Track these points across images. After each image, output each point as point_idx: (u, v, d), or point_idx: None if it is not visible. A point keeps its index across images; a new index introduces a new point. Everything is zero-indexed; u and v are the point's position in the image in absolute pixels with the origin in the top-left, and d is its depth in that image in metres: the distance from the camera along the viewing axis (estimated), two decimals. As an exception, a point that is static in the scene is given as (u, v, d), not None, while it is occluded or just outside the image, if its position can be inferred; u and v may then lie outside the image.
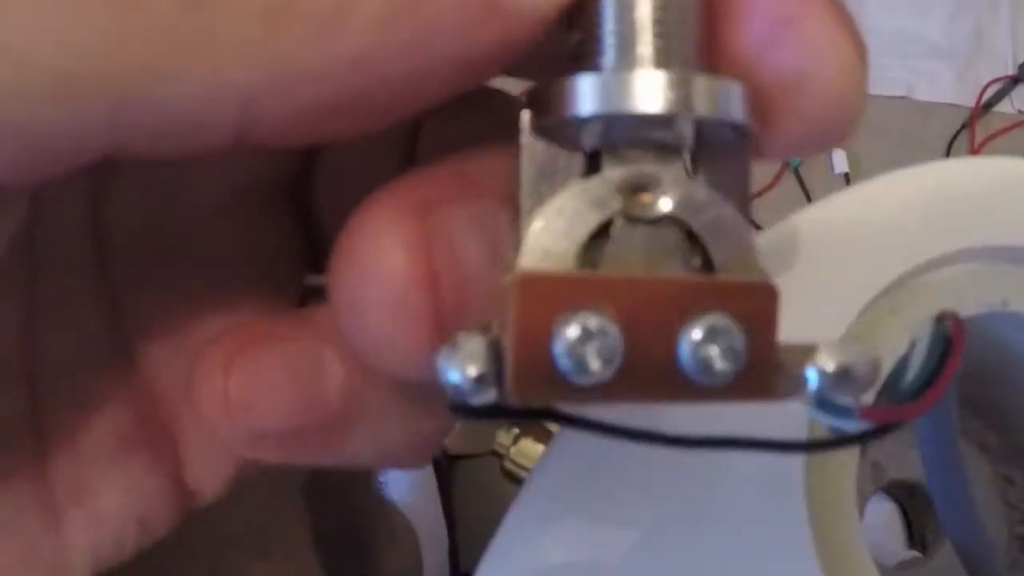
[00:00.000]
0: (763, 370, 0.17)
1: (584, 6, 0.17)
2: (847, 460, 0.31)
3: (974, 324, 0.34)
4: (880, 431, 0.18)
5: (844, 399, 0.17)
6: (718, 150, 0.18)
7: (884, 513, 0.46)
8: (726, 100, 0.17)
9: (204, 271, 0.23)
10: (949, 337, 0.19)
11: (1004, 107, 1.41)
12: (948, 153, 1.36)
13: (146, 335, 0.23)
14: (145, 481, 0.22)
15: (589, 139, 0.18)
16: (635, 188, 0.17)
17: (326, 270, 0.18)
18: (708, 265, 0.17)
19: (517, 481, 1.10)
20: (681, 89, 0.16)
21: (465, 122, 0.21)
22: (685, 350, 0.16)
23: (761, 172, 1.35)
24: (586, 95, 0.16)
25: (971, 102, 1.40)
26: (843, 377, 0.17)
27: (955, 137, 1.37)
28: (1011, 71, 1.43)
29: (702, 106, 0.16)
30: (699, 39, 0.17)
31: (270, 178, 0.24)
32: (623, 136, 0.17)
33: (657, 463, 0.29)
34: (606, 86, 0.16)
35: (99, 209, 0.22)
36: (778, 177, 1.32)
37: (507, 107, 0.21)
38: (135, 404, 0.23)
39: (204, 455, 0.23)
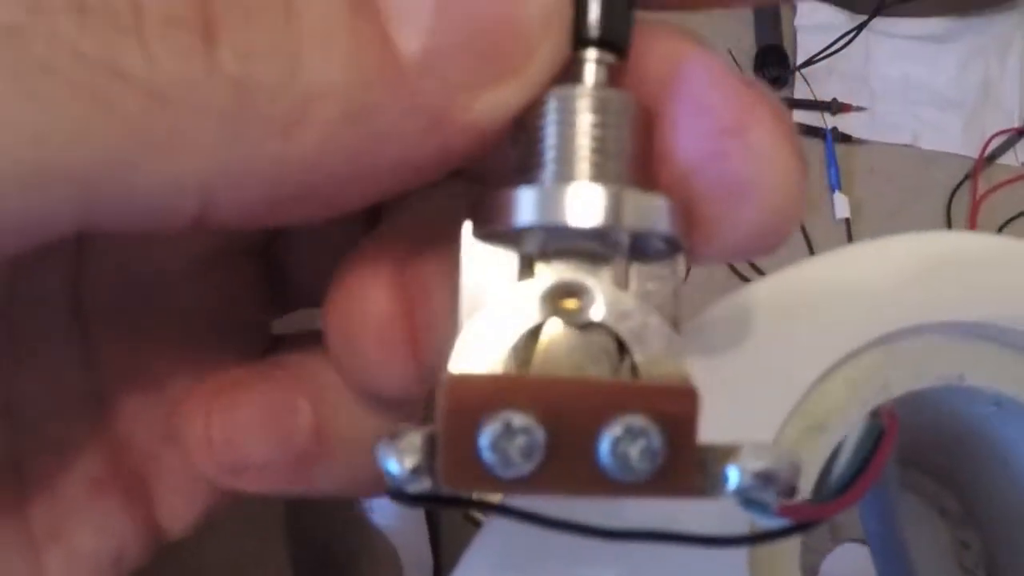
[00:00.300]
0: (682, 468, 0.18)
1: (526, 124, 0.18)
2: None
3: (930, 397, 0.35)
4: (800, 527, 0.19)
5: (765, 497, 0.18)
6: (649, 258, 0.19)
7: (852, 558, 0.48)
8: (655, 214, 0.18)
9: (176, 324, 0.25)
10: (882, 429, 0.20)
11: (1008, 159, 1.42)
12: (950, 203, 1.37)
13: (121, 385, 0.25)
14: (118, 521, 0.24)
15: (527, 246, 0.19)
16: (566, 294, 0.19)
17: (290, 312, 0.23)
18: (635, 369, 0.19)
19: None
20: (613, 204, 0.17)
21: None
22: (604, 448, 0.17)
23: None
24: (525, 207, 0.18)
25: (975, 153, 1.41)
26: (763, 479, 0.18)
27: (958, 187, 1.38)
28: (1017, 124, 1.43)
29: (632, 220, 0.17)
30: (634, 155, 0.18)
31: (239, 243, 0.26)
32: (558, 245, 0.19)
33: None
34: (543, 199, 0.17)
35: (76, 269, 0.24)
36: None
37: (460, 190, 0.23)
38: (108, 450, 0.24)
39: (175, 495, 0.25)
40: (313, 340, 0.24)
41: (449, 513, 1.03)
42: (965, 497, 0.44)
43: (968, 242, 0.36)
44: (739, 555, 0.30)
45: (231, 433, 0.23)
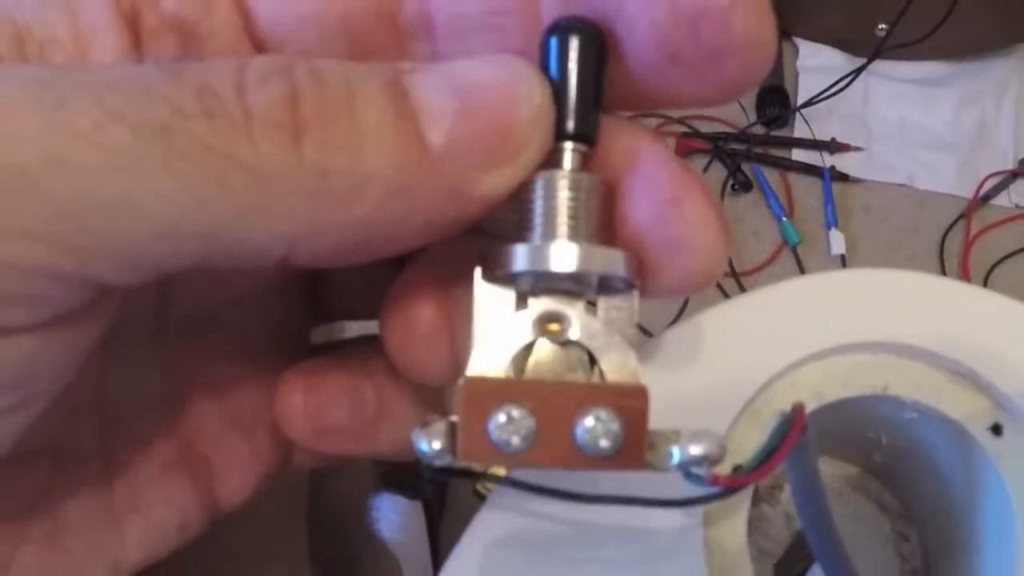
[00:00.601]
0: (635, 447, 0.24)
1: (520, 197, 0.24)
2: (738, 522, 0.37)
3: (859, 404, 0.40)
4: (726, 492, 0.26)
5: (699, 470, 0.25)
6: (611, 294, 0.25)
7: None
8: (615, 262, 0.24)
9: (239, 338, 0.31)
10: (790, 422, 0.26)
11: (1002, 200, 1.41)
12: (943, 241, 1.36)
13: (193, 386, 0.31)
14: (184, 497, 0.30)
15: (522, 286, 0.25)
16: (550, 320, 0.25)
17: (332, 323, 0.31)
18: (602, 375, 0.25)
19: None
20: (584, 255, 0.23)
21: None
22: (579, 431, 0.23)
23: (760, 250, 1.34)
24: (519, 257, 0.24)
25: (969, 194, 1.40)
26: (698, 455, 0.24)
27: (951, 226, 1.37)
28: (1011, 166, 1.42)
29: (598, 266, 0.23)
30: (599, 219, 0.24)
31: (292, 276, 0.32)
32: (545, 285, 0.25)
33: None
34: (533, 252, 0.23)
35: (161, 294, 0.30)
36: (776, 254, 1.33)
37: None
38: (179, 439, 0.30)
39: (233, 474, 0.31)
40: (363, 342, 0.31)
41: (449, 528, 1.06)
42: (902, 495, 0.48)
43: (892, 276, 0.41)
44: (696, 545, 0.35)
45: (322, 404, 0.29)
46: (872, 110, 1.47)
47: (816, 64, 1.47)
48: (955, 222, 1.38)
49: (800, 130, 1.44)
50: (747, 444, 0.37)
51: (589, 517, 0.35)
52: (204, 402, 0.31)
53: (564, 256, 0.23)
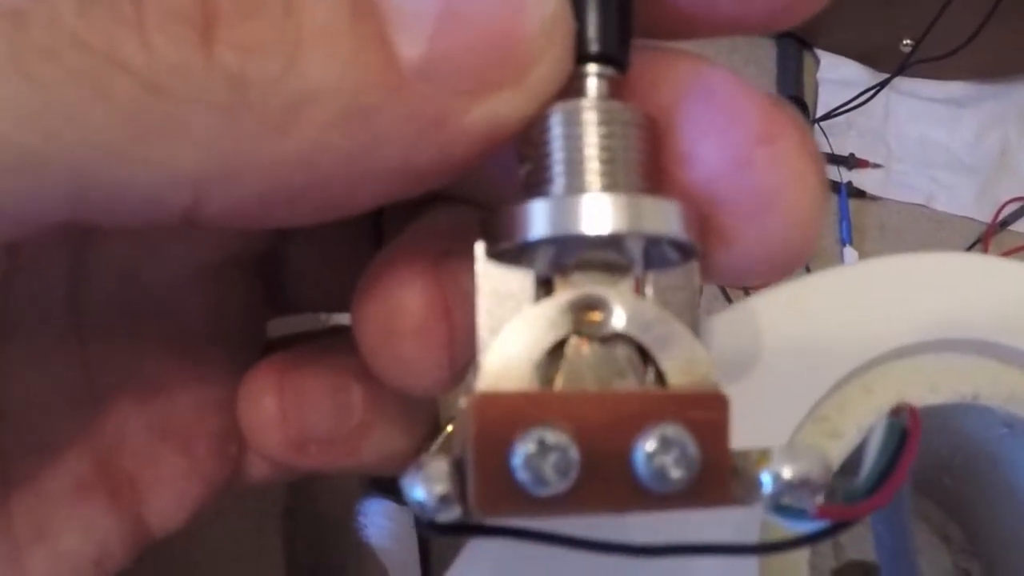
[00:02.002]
0: (717, 476, 0.18)
1: (532, 138, 0.18)
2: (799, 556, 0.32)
3: (944, 414, 0.35)
4: (834, 530, 0.19)
5: (798, 501, 0.18)
6: (665, 269, 0.19)
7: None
8: (668, 218, 0.18)
9: (174, 329, 0.26)
10: (905, 429, 0.19)
11: (1020, 227, 1.40)
12: None
13: (117, 386, 0.25)
14: (102, 522, 0.25)
15: (542, 262, 0.19)
16: (586, 307, 0.18)
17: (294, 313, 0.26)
18: (660, 377, 0.18)
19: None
20: (625, 210, 0.17)
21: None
22: (640, 460, 0.17)
23: None
24: (537, 220, 0.18)
25: (988, 218, 1.39)
26: (798, 481, 0.18)
27: (968, 251, 1.36)
28: None
29: (645, 225, 0.17)
30: (642, 164, 0.18)
31: (237, 253, 0.27)
32: (574, 258, 0.19)
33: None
34: (555, 210, 0.17)
35: (75, 274, 0.24)
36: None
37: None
38: (97, 451, 0.25)
39: (166, 494, 0.26)
40: (339, 334, 0.26)
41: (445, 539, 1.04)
42: (968, 525, 0.44)
43: (988, 265, 0.36)
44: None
45: (301, 408, 0.25)
46: (892, 127, 1.47)
47: (837, 77, 1.46)
48: (972, 246, 1.38)
49: (818, 144, 1.40)
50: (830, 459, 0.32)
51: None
52: (129, 407, 0.26)
53: (599, 213, 0.17)
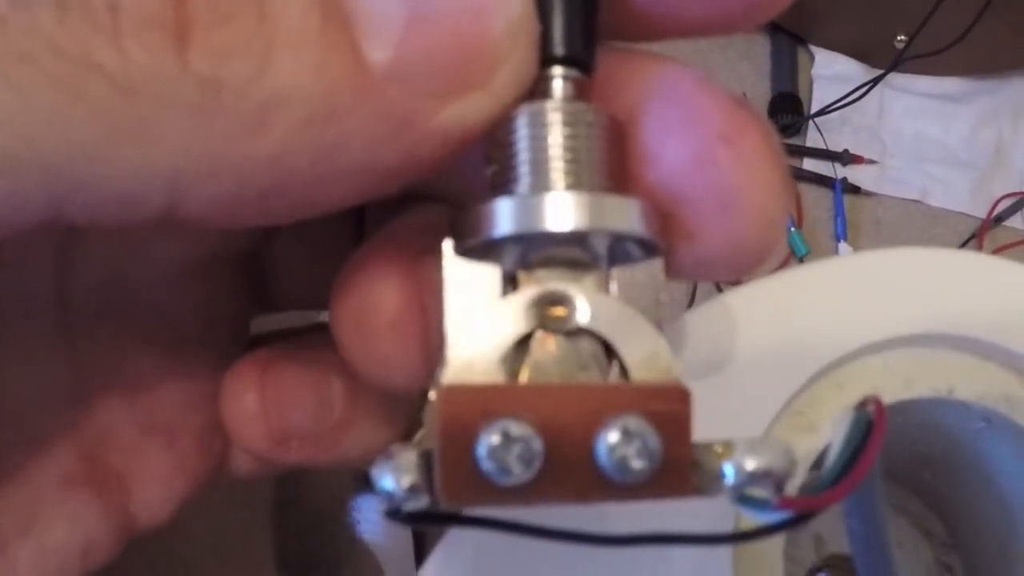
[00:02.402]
0: (678, 467, 0.18)
1: (499, 139, 0.19)
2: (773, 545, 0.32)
3: (920, 409, 0.35)
4: (799, 520, 0.19)
5: (761, 492, 0.19)
6: (629, 265, 0.19)
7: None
8: (630, 215, 0.18)
9: (159, 326, 0.27)
10: (870, 421, 0.20)
11: (1015, 222, 1.39)
12: None
13: (103, 382, 0.26)
14: (88, 516, 0.25)
15: (508, 259, 0.19)
16: (551, 303, 0.19)
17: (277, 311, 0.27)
18: (624, 371, 0.19)
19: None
20: (589, 208, 0.18)
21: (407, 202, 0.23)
22: (602, 451, 0.17)
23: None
24: (502, 217, 0.18)
25: (983, 214, 1.39)
26: (760, 473, 0.18)
27: (962, 246, 1.34)
28: None
29: (608, 222, 0.18)
30: (608, 163, 0.18)
31: (222, 251, 0.27)
32: (539, 254, 0.19)
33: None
34: (520, 208, 0.18)
35: (62, 272, 0.25)
36: (782, 266, 1.29)
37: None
38: (83, 445, 0.25)
39: (152, 487, 0.26)
40: (319, 331, 0.26)
41: (436, 531, 1.04)
42: (950, 519, 0.44)
43: (962, 259, 0.36)
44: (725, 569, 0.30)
45: (282, 403, 0.26)
46: (887, 123, 1.47)
47: (831, 73, 1.46)
48: (966, 242, 1.36)
49: (812, 139, 1.44)
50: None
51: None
52: (116, 403, 0.26)
53: (563, 210, 0.18)
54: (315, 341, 0.27)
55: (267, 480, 0.52)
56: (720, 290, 1.16)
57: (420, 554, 1.04)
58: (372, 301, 0.22)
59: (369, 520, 1.03)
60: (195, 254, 0.26)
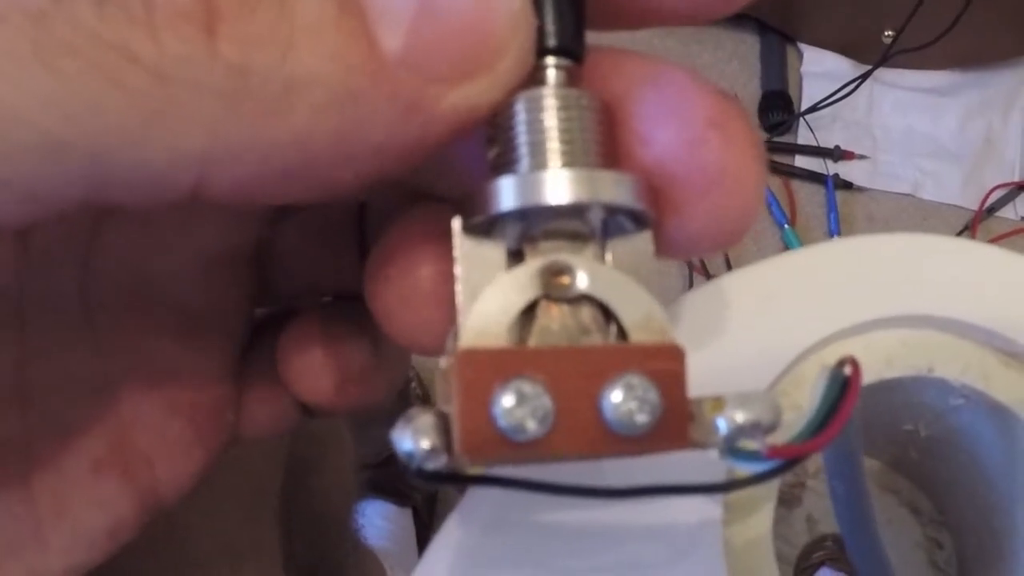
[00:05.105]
0: (678, 420, 0.20)
1: (500, 123, 0.20)
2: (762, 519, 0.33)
3: (901, 386, 0.36)
4: (784, 467, 0.21)
5: (752, 443, 0.20)
6: (623, 236, 0.21)
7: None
8: (623, 188, 0.20)
9: (176, 313, 0.28)
10: (846, 378, 0.21)
11: (1007, 213, 1.42)
12: None
13: (127, 369, 0.27)
14: (116, 497, 0.27)
15: (512, 234, 0.21)
16: (554, 273, 0.20)
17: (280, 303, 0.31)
18: (623, 334, 0.20)
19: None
20: (585, 183, 0.19)
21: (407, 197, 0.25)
22: (608, 406, 0.19)
23: (760, 257, 1.33)
24: (505, 194, 0.19)
25: (975, 205, 1.41)
26: (749, 424, 0.20)
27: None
28: (1017, 178, 1.44)
29: (602, 194, 0.19)
30: (600, 142, 0.20)
31: (235, 245, 0.29)
32: (540, 228, 0.21)
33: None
34: (521, 184, 0.19)
35: (85, 267, 0.26)
36: None
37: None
38: (111, 430, 0.27)
39: (176, 463, 0.28)
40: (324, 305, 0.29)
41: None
42: (937, 496, 0.45)
43: (940, 243, 0.37)
44: (715, 544, 0.32)
45: (342, 354, 0.29)
46: (877, 118, 1.49)
47: (821, 70, 1.48)
48: (959, 234, 1.39)
49: (804, 137, 1.46)
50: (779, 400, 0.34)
51: (593, 511, 0.31)
52: (139, 386, 0.28)
53: (560, 185, 0.19)
54: (333, 309, 0.30)
55: (275, 485, 0.54)
56: (708, 274, 1.16)
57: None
58: (412, 272, 0.23)
59: (373, 524, 1.04)
60: (210, 247, 0.28)
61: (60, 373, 0.26)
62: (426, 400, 1.28)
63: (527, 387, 0.19)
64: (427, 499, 1.11)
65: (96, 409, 0.27)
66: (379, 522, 1.03)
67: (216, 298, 0.29)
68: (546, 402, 0.19)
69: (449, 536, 0.33)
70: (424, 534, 1.10)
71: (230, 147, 0.18)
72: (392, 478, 1.10)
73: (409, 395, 1.26)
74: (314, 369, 0.29)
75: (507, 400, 0.19)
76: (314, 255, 0.30)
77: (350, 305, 0.28)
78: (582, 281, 0.20)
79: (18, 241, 0.24)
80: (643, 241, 0.21)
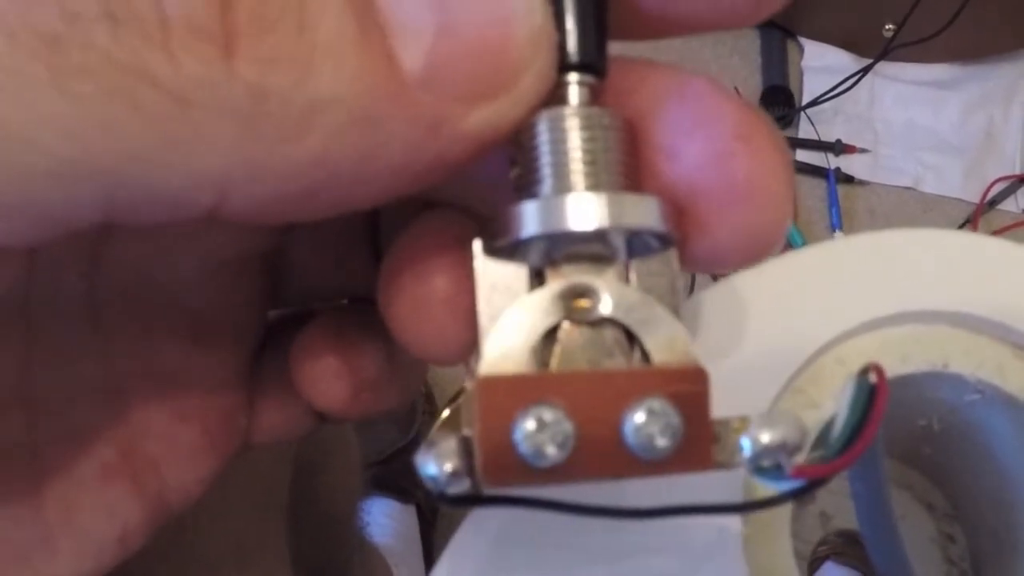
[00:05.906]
0: (700, 443, 0.19)
1: (521, 143, 0.20)
2: (782, 525, 0.33)
3: (916, 383, 0.36)
4: (811, 487, 0.21)
5: (776, 462, 0.20)
6: (646, 257, 0.21)
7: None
8: (647, 212, 0.19)
9: (185, 320, 0.28)
10: (873, 387, 0.21)
11: (1008, 205, 1.42)
12: None
13: (136, 374, 0.27)
14: (125, 504, 0.27)
15: (534, 257, 0.20)
16: (576, 295, 0.20)
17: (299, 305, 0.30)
18: (645, 356, 0.20)
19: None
20: (608, 207, 0.19)
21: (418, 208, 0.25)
22: (629, 430, 0.19)
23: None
24: (528, 219, 0.19)
25: (976, 198, 1.41)
26: (775, 445, 0.20)
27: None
28: (1018, 171, 1.44)
29: (627, 219, 0.19)
30: (624, 162, 0.20)
31: (245, 250, 0.28)
32: (563, 251, 0.20)
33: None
34: (544, 210, 0.19)
35: (93, 275, 0.26)
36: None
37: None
38: (120, 436, 0.27)
39: (185, 469, 0.28)
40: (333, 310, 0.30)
41: (444, 533, 1.05)
42: (950, 491, 0.45)
43: (951, 238, 0.37)
44: (735, 548, 0.31)
45: (356, 361, 0.28)
46: (878, 112, 1.49)
47: (822, 64, 1.47)
48: (961, 227, 1.39)
49: (805, 131, 1.45)
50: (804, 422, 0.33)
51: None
52: (148, 393, 0.27)
53: (584, 211, 0.19)
54: (344, 315, 0.29)
55: (284, 485, 0.54)
56: (715, 279, 1.17)
57: (428, 555, 1.04)
58: (426, 282, 0.23)
59: (377, 522, 1.04)
60: (220, 255, 0.28)
61: (68, 379, 0.26)
62: (430, 404, 1.28)
63: (547, 413, 0.19)
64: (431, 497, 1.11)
65: (105, 415, 0.27)
66: (383, 519, 1.03)
67: (227, 303, 0.29)
68: (567, 427, 0.19)
69: (464, 545, 0.33)
70: (427, 531, 1.10)
71: (249, 168, 0.18)
72: (395, 475, 1.10)
73: (416, 406, 1.25)
74: (328, 376, 0.28)
75: (527, 426, 0.19)
76: (327, 259, 0.30)
77: (365, 309, 0.28)
78: (605, 304, 0.20)
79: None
80: (667, 260, 0.21)
